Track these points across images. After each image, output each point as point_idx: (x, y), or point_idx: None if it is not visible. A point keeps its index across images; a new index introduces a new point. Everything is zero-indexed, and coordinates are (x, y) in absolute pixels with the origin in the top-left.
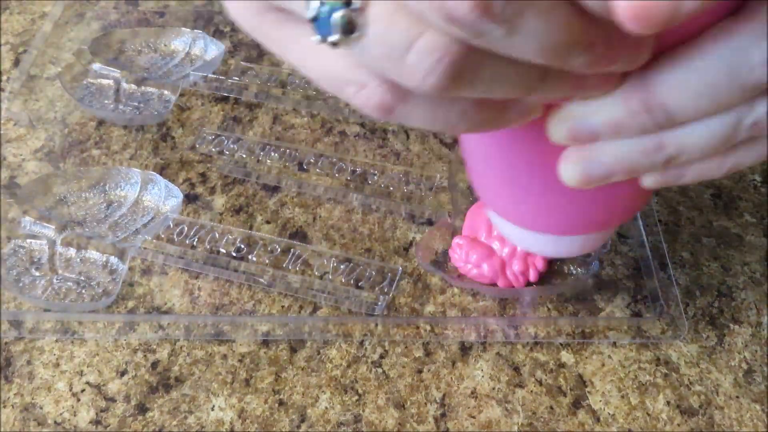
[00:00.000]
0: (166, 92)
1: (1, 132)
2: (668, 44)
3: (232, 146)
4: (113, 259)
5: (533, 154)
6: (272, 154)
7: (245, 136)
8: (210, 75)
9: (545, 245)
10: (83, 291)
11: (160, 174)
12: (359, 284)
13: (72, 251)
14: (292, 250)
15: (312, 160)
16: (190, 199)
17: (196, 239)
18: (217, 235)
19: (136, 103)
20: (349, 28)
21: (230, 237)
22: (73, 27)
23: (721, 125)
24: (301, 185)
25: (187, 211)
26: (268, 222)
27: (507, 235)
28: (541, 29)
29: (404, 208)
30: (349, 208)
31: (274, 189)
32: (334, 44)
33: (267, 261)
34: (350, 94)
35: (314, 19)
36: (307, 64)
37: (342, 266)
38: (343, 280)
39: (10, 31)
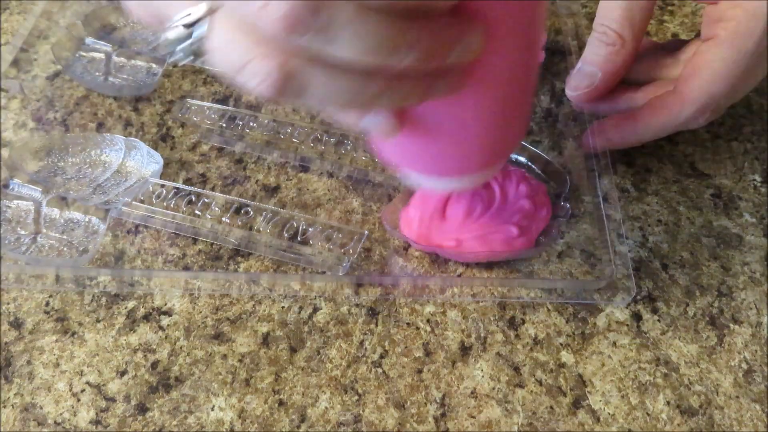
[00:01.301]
0: (153, 65)
1: (1, 132)
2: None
3: (213, 116)
4: (95, 220)
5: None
6: (272, 153)
7: (231, 108)
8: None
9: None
10: (64, 249)
11: (160, 173)
12: (327, 247)
13: (56, 212)
14: (264, 213)
15: (312, 160)
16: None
17: (173, 202)
18: (193, 198)
19: (125, 75)
20: (198, 54)
21: (206, 200)
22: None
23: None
24: (301, 185)
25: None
26: (267, 222)
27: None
28: (356, 33)
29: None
30: (349, 209)
31: (274, 189)
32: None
33: (240, 222)
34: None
35: (171, 43)
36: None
37: (310, 230)
38: (311, 242)
39: (10, 31)
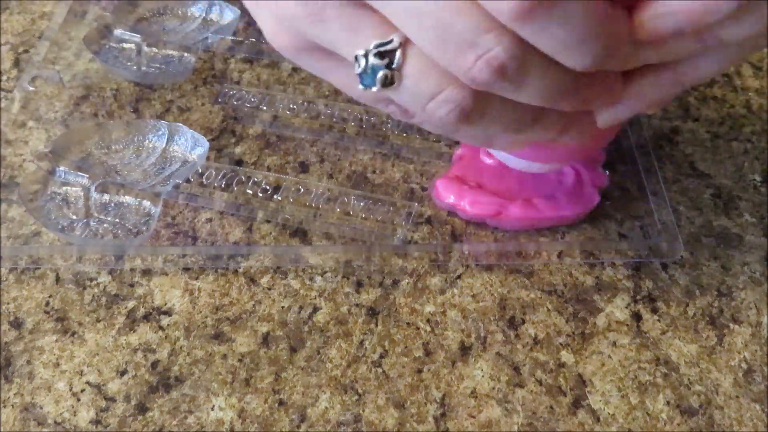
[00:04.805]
0: (186, 54)
1: (2, 132)
2: None
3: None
4: (146, 203)
5: None
6: (272, 154)
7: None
8: (227, 38)
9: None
10: (119, 232)
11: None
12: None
13: (106, 197)
14: (314, 189)
15: (312, 160)
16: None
17: (224, 183)
18: (243, 178)
19: (157, 65)
20: (389, 83)
21: (256, 180)
22: (74, 27)
23: None
24: (301, 185)
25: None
26: (268, 221)
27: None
28: (542, 84)
29: (404, 208)
30: (349, 209)
31: (274, 189)
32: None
33: (291, 200)
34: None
35: (360, 74)
36: (351, 91)
37: (361, 203)
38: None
39: (10, 31)
